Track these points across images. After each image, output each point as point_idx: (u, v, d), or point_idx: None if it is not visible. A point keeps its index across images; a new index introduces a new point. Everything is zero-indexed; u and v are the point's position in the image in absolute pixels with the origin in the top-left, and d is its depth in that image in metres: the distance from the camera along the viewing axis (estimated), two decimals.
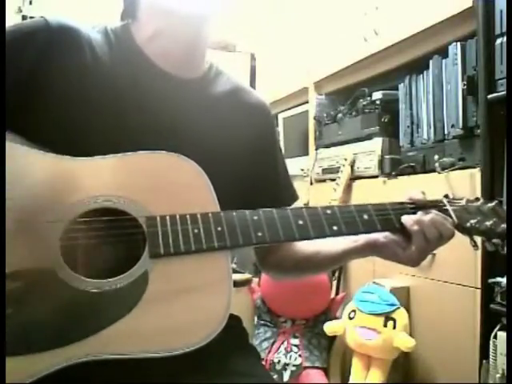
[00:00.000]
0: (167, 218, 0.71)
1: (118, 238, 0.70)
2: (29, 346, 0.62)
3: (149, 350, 0.66)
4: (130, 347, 0.65)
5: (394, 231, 0.83)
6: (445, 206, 0.85)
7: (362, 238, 0.86)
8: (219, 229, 0.73)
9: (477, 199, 0.88)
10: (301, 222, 0.77)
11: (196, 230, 0.71)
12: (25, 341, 0.62)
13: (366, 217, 0.81)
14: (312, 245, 0.92)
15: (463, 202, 0.87)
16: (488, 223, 0.83)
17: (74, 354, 0.63)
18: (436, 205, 0.85)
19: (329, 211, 0.79)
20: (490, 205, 0.86)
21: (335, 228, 0.78)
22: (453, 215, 0.84)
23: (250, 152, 0.90)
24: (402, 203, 0.85)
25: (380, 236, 0.85)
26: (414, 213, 0.83)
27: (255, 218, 0.75)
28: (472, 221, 0.84)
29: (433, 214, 0.82)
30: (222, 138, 0.86)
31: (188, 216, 0.72)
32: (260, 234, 0.74)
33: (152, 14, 0.84)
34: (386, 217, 0.82)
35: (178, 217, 0.71)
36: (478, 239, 0.86)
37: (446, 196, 0.88)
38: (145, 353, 0.65)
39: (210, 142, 0.84)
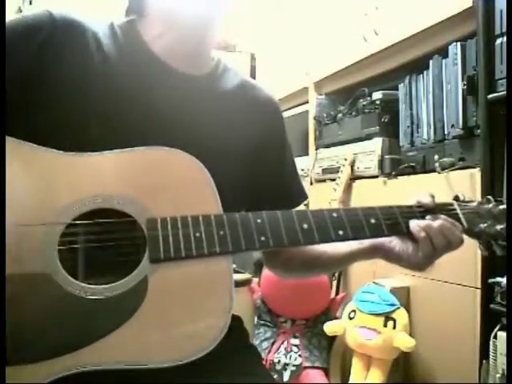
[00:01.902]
0: (168, 220, 0.69)
1: (118, 241, 0.68)
2: (22, 356, 0.60)
3: (149, 361, 0.64)
4: (129, 357, 0.64)
5: (400, 236, 0.81)
6: (455, 210, 0.83)
7: (367, 241, 0.85)
8: (221, 233, 0.70)
9: (488, 200, 0.85)
10: (306, 226, 0.75)
11: (198, 234, 0.69)
12: (17, 351, 0.60)
13: (373, 221, 0.78)
14: (319, 245, 0.91)
15: (475, 204, 0.84)
16: (499, 227, 0.81)
17: (71, 363, 0.61)
18: (446, 209, 0.83)
19: (335, 214, 0.77)
20: (501, 207, 0.83)
21: (341, 232, 0.76)
22: (463, 221, 0.82)
23: (258, 147, 0.90)
24: (410, 207, 0.82)
25: (386, 240, 0.83)
26: (423, 217, 0.80)
27: (259, 221, 0.73)
28: (482, 225, 0.81)
29: (441, 221, 0.79)
30: (229, 134, 0.86)
31: (189, 218, 0.70)
32: (263, 238, 0.72)
33: (158, 14, 0.83)
34: (394, 221, 0.80)
35: (179, 219, 0.69)
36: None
37: (457, 198, 0.85)
38: (145, 364, 0.63)
39: (217, 137, 0.84)
